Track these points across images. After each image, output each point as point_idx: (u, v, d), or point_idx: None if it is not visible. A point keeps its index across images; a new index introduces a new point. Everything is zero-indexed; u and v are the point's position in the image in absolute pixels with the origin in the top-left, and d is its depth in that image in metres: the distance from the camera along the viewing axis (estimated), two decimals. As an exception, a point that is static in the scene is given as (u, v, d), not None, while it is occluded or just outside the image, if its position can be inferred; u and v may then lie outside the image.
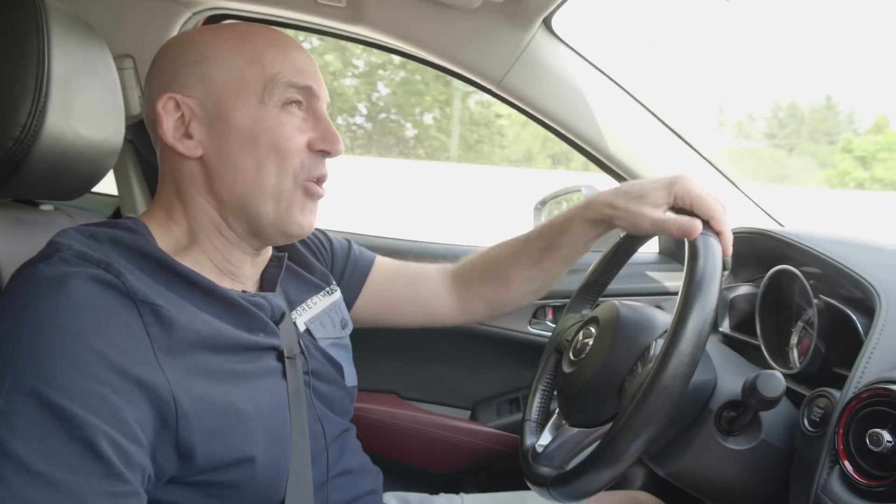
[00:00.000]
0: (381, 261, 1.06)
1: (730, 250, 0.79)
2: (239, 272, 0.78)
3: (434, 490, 1.11)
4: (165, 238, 0.73)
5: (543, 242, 0.99)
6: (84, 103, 0.79)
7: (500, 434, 1.39)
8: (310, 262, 0.94)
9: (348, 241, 1.06)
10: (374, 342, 1.41)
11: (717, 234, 0.78)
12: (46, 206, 0.91)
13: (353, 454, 0.89)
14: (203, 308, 0.68)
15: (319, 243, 1.00)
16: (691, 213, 0.82)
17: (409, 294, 1.05)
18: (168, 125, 0.72)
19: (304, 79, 0.75)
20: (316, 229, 0.98)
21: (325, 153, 0.77)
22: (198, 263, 0.74)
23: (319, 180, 0.78)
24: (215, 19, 1.37)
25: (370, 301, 1.04)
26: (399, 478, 1.22)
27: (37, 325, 0.56)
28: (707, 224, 0.79)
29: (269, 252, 0.85)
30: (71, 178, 0.83)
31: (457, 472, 1.37)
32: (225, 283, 0.75)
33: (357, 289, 1.02)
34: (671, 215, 0.83)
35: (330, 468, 0.81)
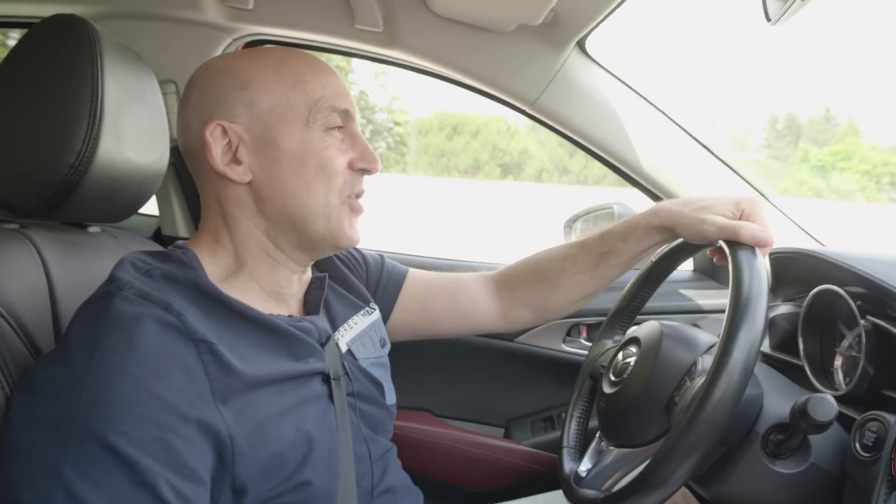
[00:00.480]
0: (415, 272, 1.07)
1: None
2: (285, 293, 0.80)
3: None
4: (214, 265, 0.75)
5: (604, 247, 0.99)
6: (133, 129, 0.82)
7: (535, 453, 1.39)
8: (349, 279, 0.96)
9: (381, 255, 1.07)
10: (407, 359, 1.41)
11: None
12: (93, 228, 0.94)
13: (395, 473, 0.89)
14: (254, 340, 0.70)
15: (354, 260, 1.02)
16: None
17: (448, 303, 1.06)
18: (217, 152, 0.74)
19: (343, 102, 0.78)
20: None
21: (365, 171, 0.80)
22: (246, 289, 0.75)
23: (359, 196, 0.81)
24: (254, 45, 1.40)
25: (407, 313, 1.04)
26: (436, 496, 1.22)
27: (102, 371, 0.58)
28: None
29: (310, 273, 0.87)
30: (120, 201, 0.86)
31: (492, 491, 1.36)
32: (271, 307, 0.77)
33: (392, 301, 1.03)
34: (742, 221, 0.84)
35: (374, 488, 0.82)
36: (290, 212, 0.76)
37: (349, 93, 0.81)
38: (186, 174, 1.42)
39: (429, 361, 1.45)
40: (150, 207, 1.56)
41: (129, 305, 0.62)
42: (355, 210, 0.80)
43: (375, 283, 1.03)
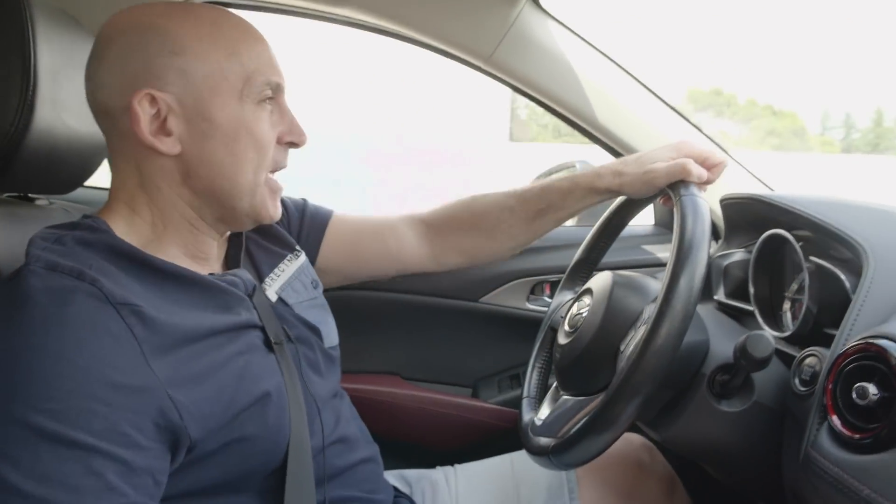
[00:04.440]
0: (340, 215, 1.06)
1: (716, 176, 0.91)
2: (207, 255, 0.79)
3: (434, 466, 1.13)
4: (130, 233, 0.71)
5: (542, 203, 1.01)
6: (73, 96, 0.79)
7: (500, 410, 1.40)
8: (270, 228, 0.94)
9: (303, 199, 1.06)
10: (373, 323, 1.42)
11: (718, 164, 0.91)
12: (42, 201, 0.92)
13: (349, 423, 0.90)
14: (179, 297, 0.68)
15: None
16: None
17: (377, 246, 1.06)
18: (145, 122, 0.69)
19: (276, 75, 0.75)
20: None
21: (292, 144, 0.79)
22: (165, 253, 0.73)
23: (279, 170, 0.80)
24: None
25: (335, 255, 1.04)
26: (401, 457, 1.24)
27: (17, 350, 0.57)
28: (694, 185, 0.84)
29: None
30: (63, 171, 0.84)
31: (458, 449, 1.38)
32: (194, 268, 0.75)
33: (317, 242, 1.03)
34: (685, 158, 0.87)
35: (326, 435, 0.83)
36: (217, 187, 0.73)
37: (278, 63, 0.78)
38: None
39: (395, 325, 1.45)
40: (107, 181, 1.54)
41: (38, 280, 0.60)
42: (275, 191, 0.79)
43: (298, 226, 1.02)
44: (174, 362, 0.63)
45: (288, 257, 0.93)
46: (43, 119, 0.75)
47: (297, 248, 0.96)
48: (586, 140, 1.37)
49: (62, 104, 0.77)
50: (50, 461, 0.54)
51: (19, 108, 0.72)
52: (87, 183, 0.92)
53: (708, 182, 0.90)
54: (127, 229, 0.72)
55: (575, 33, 1.30)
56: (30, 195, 0.91)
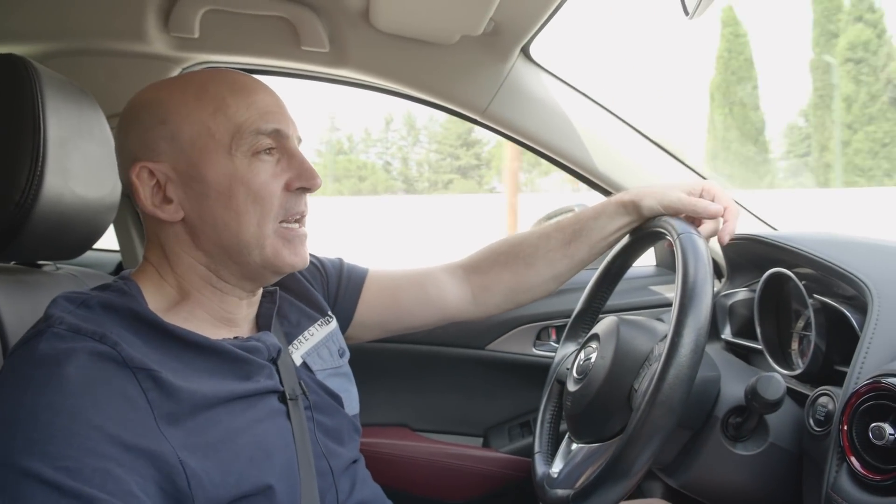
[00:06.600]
0: (377, 270, 1.07)
1: (726, 239, 0.93)
2: (235, 317, 0.79)
3: None
4: (158, 296, 0.73)
5: (576, 224, 1.02)
6: (80, 164, 0.81)
7: (512, 459, 1.38)
8: (306, 289, 0.94)
9: (340, 259, 1.07)
10: (380, 375, 1.41)
11: (725, 222, 0.93)
12: (49, 267, 0.93)
13: (364, 486, 0.88)
14: (199, 364, 0.68)
15: (313, 268, 1.01)
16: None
17: (416, 294, 1.06)
18: (146, 194, 0.71)
19: (271, 122, 0.74)
20: None
21: (305, 189, 0.77)
22: (192, 317, 0.74)
23: (300, 218, 0.79)
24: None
25: (374, 310, 1.04)
26: None
27: (36, 408, 0.57)
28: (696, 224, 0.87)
29: (261, 291, 0.86)
30: (71, 237, 0.85)
31: (472, 501, 1.35)
32: (221, 332, 0.76)
33: (354, 301, 1.03)
34: (689, 198, 0.92)
35: (341, 502, 0.81)
36: (225, 244, 0.73)
37: (284, 109, 0.77)
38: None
39: (402, 376, 1.45)
40: (112, 243, 1.56)
41: (59, 342, 0.61)
42: (290, 240, 0.77)
43: (336, 286, 1.02)
44: (189, 429, 0.63)
45: (319, 322, 0.93)
46: (52, 188, 0.76)
47: (330, 314, 0.96)
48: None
49: (70, 173, 0.79)
50: None
51: (29, 178, 0.74)
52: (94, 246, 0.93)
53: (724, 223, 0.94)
54: (155, 292, 0.73)
55: (565, 82, 1.35)
56: (37, 262, 0.92)
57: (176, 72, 1.33)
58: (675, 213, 0.92)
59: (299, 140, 0.80)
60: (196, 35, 1.23)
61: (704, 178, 1.37)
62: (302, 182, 0.76)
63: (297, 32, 1.23)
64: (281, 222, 0.76)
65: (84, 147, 0.82)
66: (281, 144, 0.76)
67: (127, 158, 0.73)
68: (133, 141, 0.73)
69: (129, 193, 0.75)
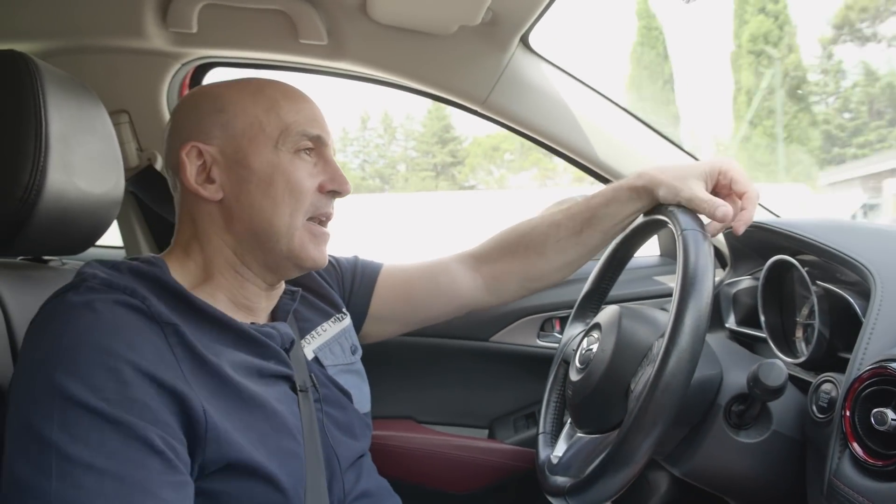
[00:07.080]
0: (391, 265, 1.09)
1: (741, 230, 0.88)
2: (253, 306, 0.83)
3: None
4: (182, 274, 0.77)
5: (587, 212, 1.01)
6: (83, 159, 0.82)
7: (517, 450, 1.38)
8: (321, 286, 0.98)
9: (355, 256, 1.09)
10: (386, 367, 1.41)
11: (742, 209, 0.89)
12: (55, 262, 0.94)
13: (370, 477, 0.90)
14: (217, 339, 0.72)
15: (329, 265, 1.02)
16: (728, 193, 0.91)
17: (428, 286, 1.07)
18: (191, 171, 0.78)
19: (316, 129, 0.81)
20: None
21: (335, 193, 0.83)
22: (213, 298, 0.78)
23: (326, 219, 0.84)
24: (204, 68, 1.41)
25: (388, 304, 1.06)
26: (422, 502, 1.22)
27: (75, 345, 0.61)
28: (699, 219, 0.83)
29: (282, 287, 0.89)
30: (75, 232, 0.86)
31: (477, 492, 1.36)
32: (238, 316, 0.78)
33: (368, 296, 1.05)
34: (706, 195, 0.88)
35: (347, 493, 0.82)
36: (256, 229, 0.78)
37: (325, 120, 0.85)
38: (149, 201, 1.42)
39: (407, 368, 1.45)
40: (117, 239, 1.56)
41: (92, 293, 0.65)
42: (317, 236, 0.82)
43: (350, 282, 1.05)
44: (210, 389, 0.66)
45: (333, 318, 0.96)
46: (55, 183, 0.77)
47: (344, 310, 0.99)
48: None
49: (73, 168, 0.80)
50: (116, 440, 0.58)
51: (32, 174, 0.74)
52: (98, 242, 0.93)
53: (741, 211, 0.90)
54: (180, 270, 0.78)
55: (564, 71, 1.33)
56: (42, 257, 0.93)
57: (175, 68, 1.33)
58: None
59: (334, 151, 0.86)
60: (194, 30, 1.23)
61: None
62: (334, 185, 0.82)
63: (295, 26, 1.22)
64: (309, 219, 0.81)
65: (86, 142, 0.83)
66: (320, 150, 0.83)
67: (179, 138, 0.80)
68: (189, 124, 0.80)
69: (174, 172, 0.81)
